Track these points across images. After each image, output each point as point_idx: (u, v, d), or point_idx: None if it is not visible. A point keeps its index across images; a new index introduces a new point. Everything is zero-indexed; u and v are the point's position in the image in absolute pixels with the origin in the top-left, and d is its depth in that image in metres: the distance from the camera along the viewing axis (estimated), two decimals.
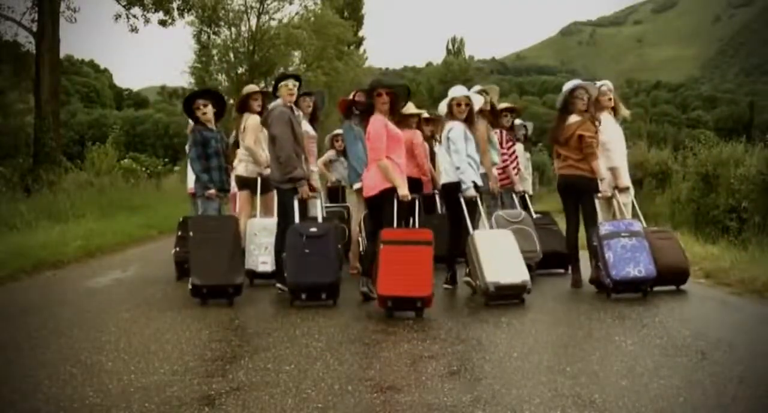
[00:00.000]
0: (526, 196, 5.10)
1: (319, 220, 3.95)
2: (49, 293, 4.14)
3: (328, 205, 5.40)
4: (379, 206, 3.68)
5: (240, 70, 20.58)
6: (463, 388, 2.22)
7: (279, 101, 3.97)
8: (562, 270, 4.58)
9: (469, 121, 4.02)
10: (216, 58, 20.66)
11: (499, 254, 3.69)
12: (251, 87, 4.64)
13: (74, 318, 3.32)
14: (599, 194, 4.11)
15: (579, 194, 4.14)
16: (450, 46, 52.52)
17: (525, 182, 5.21)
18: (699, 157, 8.94)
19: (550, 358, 2.58)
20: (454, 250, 4.05)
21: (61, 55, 11.62)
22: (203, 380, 2.31)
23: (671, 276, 3.94)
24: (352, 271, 4.59)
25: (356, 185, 4.61)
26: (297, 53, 20.94)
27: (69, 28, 23.48)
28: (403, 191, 3.56)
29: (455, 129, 3.98)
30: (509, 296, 3.64)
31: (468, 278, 3.97)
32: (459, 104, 4.01)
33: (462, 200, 3.90)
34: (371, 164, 3.69)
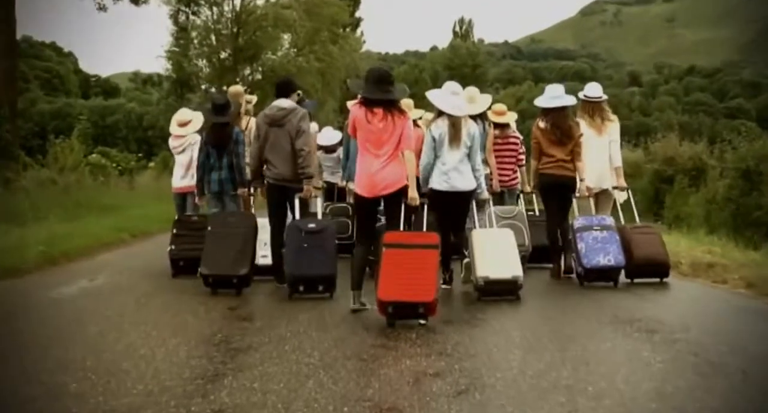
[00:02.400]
0: (533, 196, 5.62)
1: (319, 215, 4.53)
2: (6, 305, 4.11)
3: (333, 203, 5.94)
4: (375, 207, 3.71)
5: (223, 55, 20.63)
6: (472, 410, 2.23)
7: (289, 102, 4.36)
8: (561, 268, 4.95)
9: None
10: (196, 41, 20.67)
11: (493, 249, 4.04)
12: (237, 88, 5.22)
13: (35, 333, 3.30)
14: (578, 194, 4.80)
15: (564, 192, 4.81)
16: (457, 29, 52.67)
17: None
18: (739, 151, 8.97)
19: (570, 376, 2.59)
20: (448, 249, 4.17)
21: (18, 36, 11.50)
22: (181, 401, 2.31)
23: (650, 268, 4.61)
24: None
25: (351, 184, 4.85)
26: (286, 36, 20.96)
27: (26, 5, 23.46)
28: (414, 192, 3.60)
29: (433, 131, 4.09)
30: (501, 292, 3.98)
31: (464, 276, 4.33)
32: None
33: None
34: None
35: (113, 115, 36.56)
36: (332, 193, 6.43)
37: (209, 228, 4.42)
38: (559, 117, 4.78)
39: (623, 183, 5.06)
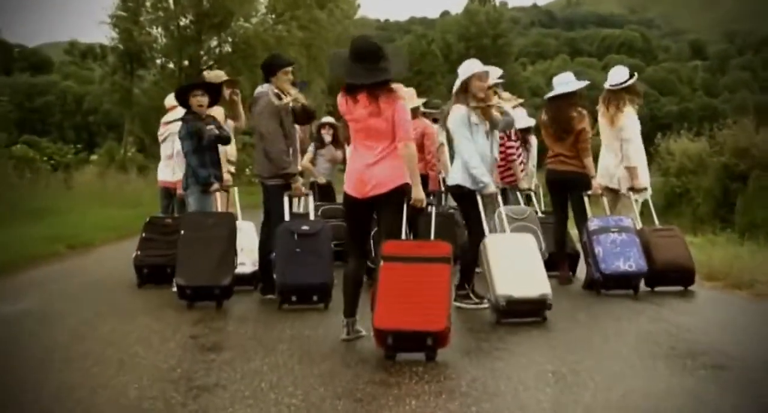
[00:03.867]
0: (532, 194, 6.18)
1: (311, 217, 4.87)
2: None
3: (323, 203, 6.48)
4: (367, 211, 3.69)
5: (183, 22, 20.67)
6: None
7: (266, 88, 4.71)
8: (570, 273, 5.50)
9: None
10: (148, 4, 20.72)
11: (515, 261, 4.17)
12: (217, 74, 5.54)
13: None
14: (589, 192, 5.23)
15: (568, 190, 5.31)
16: None
17: (529, 178, 6.19)
18: None
19: None
20: (472, 259, 4.50)
21: None
22: None
23: (674, 275, 4.98)
24: None
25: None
26: None
27: None
28: (419, 192, 3.61)
29: (458, 114, 4.46)
30: (525, 313, 4.10)
31: (466, 292, 4.54)
32: (480, 78, 4.45)
33: (479, 200, 4.48)
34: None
35: (43, 95, 36.37)
36: (328, 193, 6.76)
37: (182, 232, 4.68)
38: (556, 108, 5.33)
39: (639, 183, 5.36)
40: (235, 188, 5.57)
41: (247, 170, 18.59)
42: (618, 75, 5.47)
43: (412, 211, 3.80)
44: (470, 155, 4.45)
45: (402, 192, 3.60)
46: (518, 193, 6.06)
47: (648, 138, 6.78)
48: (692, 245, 5.68)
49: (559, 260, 5.44)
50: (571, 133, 5.26)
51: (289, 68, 4.76)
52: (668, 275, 4.97)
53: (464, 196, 4.54)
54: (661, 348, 3.63)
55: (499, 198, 4.81)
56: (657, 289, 5.04)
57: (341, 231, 6.18)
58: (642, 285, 5.01)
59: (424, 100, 5.86)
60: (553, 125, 5.34)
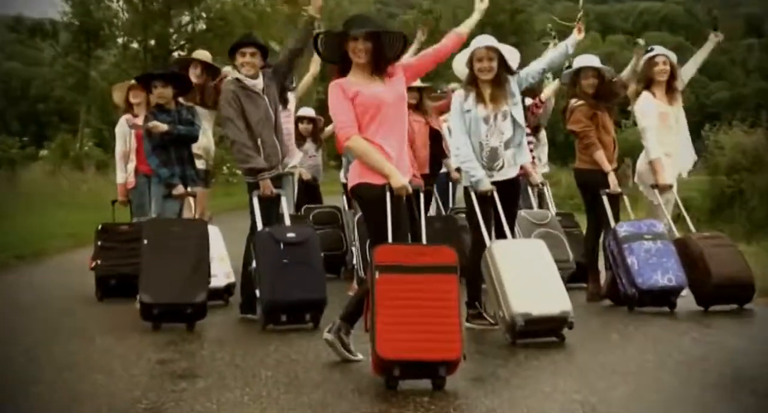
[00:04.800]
0: (545, 189, 6.38)
1: (287, 221, 4.92)
2: None
3: (314, 206, 6.77)
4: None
5: None
6: None
7: (227, 69, 4.99)
8: (602, 289, 5.53)
9: (495, 83, 4.58)
10: None
11: (529, 273, 4.21)
12: (200, 53, 5.83)
13: None
14: (607, 191, 5.31)
15: (590, 190, 5.46)
16: None
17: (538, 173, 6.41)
18: None
19: None
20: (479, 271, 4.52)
21: None
22: None
23: (730, 291, 4.91)
24: (351, 291, 5.43)
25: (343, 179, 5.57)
26: None
27: None
28: (397, 180, 3.64)
29: (454, 100, 4.67)
30: (543, 332, 4.16)
31: (478, 311, 4.62)
32: (480, 59, 4.55)
33: (474, 198, 4.56)
34: (342, 146, 3.93)
35: None
36: (313, 192, 6.90)
37: (145, 241, 4.73)
38: (566, 93, 5.59)
39: (663, 180, 5.42)
40: (200, 189, 5.62)
41: (225, 167, 18.63)
42: (657, 51, 5.59)
43: (397, 205, 3.73)
44: (458, 145, 4.61)
45: (354, 195, 3.83)
46: (530, 190, 6.20)
47: (694, 130, 6.83)
48: (745, 254, 5.69)
49: (590, 272, 5.51)
50: (566, 122, 5.48)
51: (247, 49, 4.86)
52: (726, 292, 4.95)
53: (467, 198, 4.65)
54: (708, 374, 3.65)
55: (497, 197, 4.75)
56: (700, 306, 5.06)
57: (332, 239, 6.40)
58: (678, 301, 5.04)
59: (426, 85, 5.94)
60: (562, 114, 5.59)
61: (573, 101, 5.44)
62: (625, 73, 5.78)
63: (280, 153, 4.96)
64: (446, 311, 3.38)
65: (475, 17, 4.28)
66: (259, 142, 4.82)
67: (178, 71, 5.56)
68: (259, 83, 4.88)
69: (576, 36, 4.94)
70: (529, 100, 6.42)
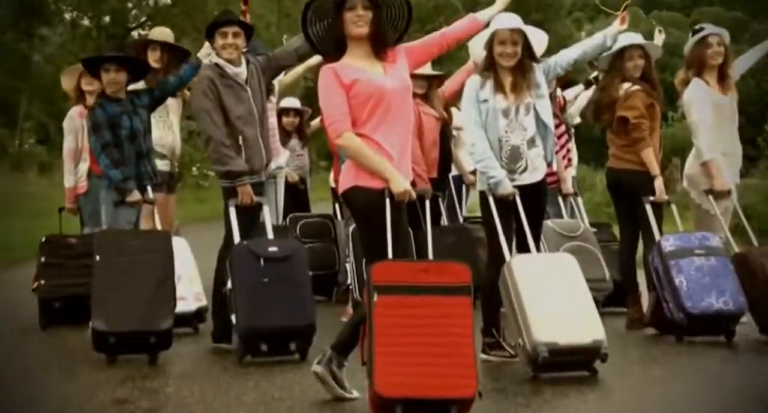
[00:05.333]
0: (578, 200, 6.46)
1: (269, 234, 4.90)
2: None
3: (301, 214, 6.78)
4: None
5: None
6: None
7: (204, 51, 5.03)
8: (643, 313, 5.50)
9: (518, 71, 4.60)
10: None
11: (555, 294, 4.22)
12: (159, 32, 5.87)
13: None
14: (651, 198, 5.27)
15: (628, 196, 5.44)
16: None
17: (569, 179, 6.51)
18: None
19: None
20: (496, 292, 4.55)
21: None
22: None
23: None
24: (345, 317, 5.49)
25: (333, 183, 5.66)
26: None
27: None
28: (398, 183, 3.65)
29: (468, 87, 4.70)
30: (570, 365, 4.16)
31: (496, 340, 4.63)
32: (503, 42, 4.56)
33: (491, 203, 4.57)
34: (333, 144, 3.96)
35: None
36: (300, 197, 6.93)
37: (98, 257, 4.73)
38: (605, 79, 5.55)
39: (720, 184, 5.39)
40: (163, 195, 5.65)
41: (194, 168, 18.66)
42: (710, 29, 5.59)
43: (398, 212, 3.74)
44: (473, 140, 4.64)
45: (347, 201, 3.88)
46: (561, 199, 6.27)
47: (756, 122, 6.84)
48: None
49: (629, 293, 5.54)
50: (604, 113, 5.47)
51: (229, 29, 4.86)
52: None
53: (483, 204, 4.67)
54: None
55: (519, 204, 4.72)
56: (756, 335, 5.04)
57: (322, 255, 6.40)
58: (737, 329, 4.98)
59: (437, 73, 5.96)
60: (593, 104, 5.59)
61: (627, 86, 5.37)
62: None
63: (264, 156, 4.99)
64: (458, 339, 3.40)
65: (497, 7, 4.28)
66: (239, 140, 4.84)
67: (133, 54, 5.56)
68: (242, 72, 4.89)
69: (618, 26, 4.97)
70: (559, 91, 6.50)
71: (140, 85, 5.39)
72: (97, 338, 4.58)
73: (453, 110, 6.19)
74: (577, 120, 6.96)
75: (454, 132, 6.70)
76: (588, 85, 6.73)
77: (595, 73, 6.48)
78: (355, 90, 3.68)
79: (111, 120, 5.02)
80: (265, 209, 4.98)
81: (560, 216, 6.25)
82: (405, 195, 3.64)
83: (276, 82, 5.91)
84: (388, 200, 3.62)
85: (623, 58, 5.38)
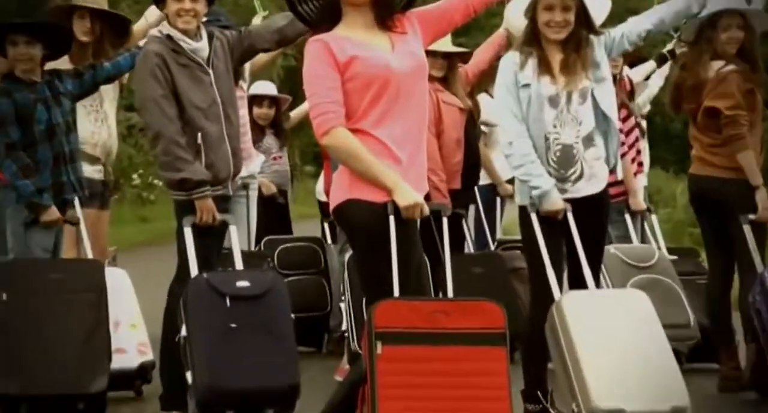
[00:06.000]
0: (652, 218, 6.43)
1: (237, 263, 4.77)
2: None
3: (281, 237, 6.68)
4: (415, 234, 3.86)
5: None
6: None
7: (154, 30, 4.89)
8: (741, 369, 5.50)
9: (571, 46, 4.61)
10: None
11: (622, 345, 4.19)
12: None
13: None
14: (751, 216, 5.22)
15: (719, 213, 5.40)
16: None
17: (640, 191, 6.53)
18: None
19: None
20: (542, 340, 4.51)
21: None
22: None
23: None
24: (340, 375, 5.47)
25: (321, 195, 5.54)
26: None
27: None
28: (405, 195, 3.66)
29: (503, 67, 4.72)
30: None
31: (542, 407, 4.56)
32: (551, 8, 4.57)
33: (535, 222, 4.56)
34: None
35: None
36: (278, 213, 6.88)
37: (4, 296, 4.66)
38: (689, 54, 5.50)
39: None
40: (94, 212, 5.64)
41: (135, 175, 18.67)
42: None
43: (407, 237, 3.74)
44: (510, 137, 4.66)
45: (341, 220, 3.91)
46: (628, 217, 6.27)
47: None
48: None
49: (721, 344, 5.54)
50: (697, 102, 5.43)
51: None
52: None
53: (524, 223, 4.69)
54: None
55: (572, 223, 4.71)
56: None
57: (309, 292, 6.38)
58: None
59: (461, 49, 5.98)
60: (672, 88, 5.60)
61: (719, 65, 5.37)
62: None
63: (231, 160, 4.95)
64: (489, 405, 3.41)
65: None
66: (198, 138, 4.80)
67: (53, 22, 5.55)
68: (202, 48, 4.86)
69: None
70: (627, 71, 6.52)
71: (63, 63, 5.40)
72: (6, 405, 4.56)
73: (482, 97, 6.21)
74: (648, 108, 6.98)
75: (484, 128, 6.72)
76: (662, 61, 6.75)
77: (671, 45, 6.49)
78: (353, 71, 3.69)
79: (20, 111, 4.99)
80: (232, 231, 4.91)
81: (628, 240, 6.26)
82: (414, 211, 3.64)
83: (247, 64, 5.92)
84: (392, 218, 3.63)
85: (716, 29, 5.37)
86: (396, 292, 3.57)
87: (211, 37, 4.89)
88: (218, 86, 4.88)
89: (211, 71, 4.87)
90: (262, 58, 6.21)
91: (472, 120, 6.06)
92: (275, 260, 6.51)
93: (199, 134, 4.78)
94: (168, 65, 4.74)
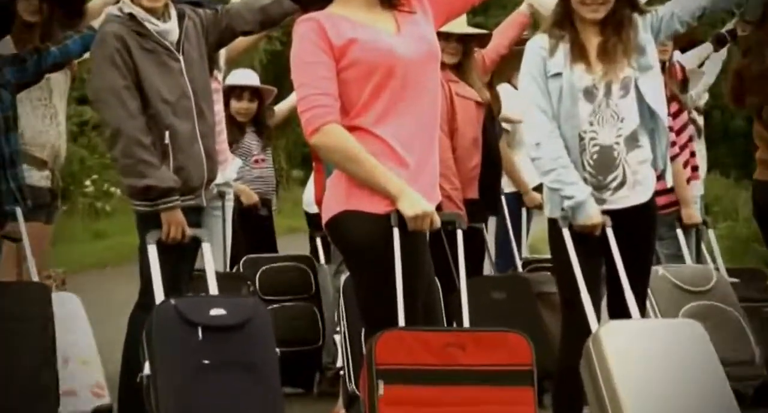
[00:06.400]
0: (709, 233, 6.47)
1: (211, 288, 4.75)
2: None
3: (264, 256, 6.72)
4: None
5: None
6: None
7: (113, 8, 4.89)
8: None
9: (611, 28, 4.62)
10: None
11: (672, 387, 4.17)
12: None
13: None
14: None
15: None
16: None
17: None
18: None
19: None
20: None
21: None
22: None
23: None
24: None
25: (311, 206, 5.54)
26: None
27: None
28: (411, 203, 3.68)
29: (529, 53, 4.74)
30: None
31: None
32: None
33: (567, 239, 4.57)
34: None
35: None
36: (260, 226, 6.88)
37: None
38: (754, 36, 5.50)
39: None
40: (38, 226, 5.68)
41: (87, 181, 18.66)
42: None
43: (413, 254, 3.77)
44: (537, 139, 4.69)
45: (335, 236, 3.92)
46: (680, 232, 6.30)
47: None
48: None
49: None
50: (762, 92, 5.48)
51: None
52: None
53: (555, 239, 4.72)
54: None
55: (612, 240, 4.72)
56: None
57: (298, 322, 6.39)
58: None
59: (479, 31, 5.99)
60: (732, 77, 5.62)
61: None
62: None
63: (204, 164, 4.97)
64: None
65: None
66: (166, 138, 4.81)
67: None
68: (171, 29, 4.88)
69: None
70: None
71: (4, 47, 5.43)
72: None
73: (503, 88, 6.22)
74: (704, 101, 7.00)
75: (506, 125, 6.74)
76: (720, 43, 6.77)
77: (731, 25, 6.51)
78: (351, 57, 3.72)
79: None
80: (206, 249, 4.92)
81: (680, 259, 6.27)
82: (423, 222, 3.66)
83: (223, 51, 5.96)
84: (396, 231, 3.65)
85: None
86: (401, 321, 3.59)
87: (181, 16, 4.91)
88: (190, 76, 4.90)
89: (181, 58, 4.89)
90: (241, 42, 6.21)
91: (491, 116, 6.07)
92: (257, 283, 6.50)
93: (167, 133, 4.79)
94: (130, 50, 4.75)
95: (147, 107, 4.79)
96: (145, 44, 4.79)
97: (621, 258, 4.56)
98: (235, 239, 6.55)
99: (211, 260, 4.95)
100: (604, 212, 4.59)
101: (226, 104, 6.82)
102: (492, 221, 6.68)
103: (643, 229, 4.76)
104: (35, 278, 5.22)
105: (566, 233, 4.60)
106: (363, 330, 4.00)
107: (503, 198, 6.64)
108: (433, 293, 3.95)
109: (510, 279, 6.39)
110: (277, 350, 4.65)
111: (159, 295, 4.65)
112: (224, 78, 6.54)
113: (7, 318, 4.74)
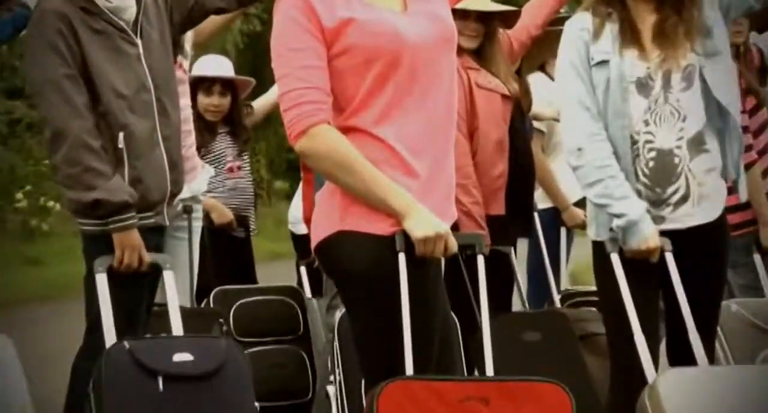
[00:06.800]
0: None
1: (175, 327, 4.78)
2: None
3: (239, 288, 6.77)
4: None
5: None
6: None
7: None
8: None
9: (669, 7, 4.68)
10: None
11: None
12: None
13: None
14: None
15: None
16: None
17: None
18: None
19: None
20: None
21: None
22: None
23: None
24: None
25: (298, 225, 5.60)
26: None
27: None
28: (420, 222, 3.69)
29: (567, 34, 4.83)
30: None
31: None
32: None
33: (617, 267, 4.59)
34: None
35: None
36: (238, 252, 6.88)
37: None
38: None
39: None
40: None
41: (19, 194, 18.75)
42: None
43: (421, 285, 3.78)
44: (579, 143, 4.71)
45: (327, 264, 3.97)
46: (758, 258, 6.31)
47: None
48: None
49: None
50: None
51: None
52: None
53: (601, 267, 4.75)
54: None
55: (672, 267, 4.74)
56: None
57: (283, 368, 6.40)
58: None
59: (504, 8, 6.01)
60: None
61: None
62: None
63: (168, 174, 4.97)
64: None
65: None
66: (120, 140, 4.82)
67: None
68: (127, 6, 4.88)
69: None
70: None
71: None
72: None
73: (535, 78, 6.24)
74: None
75: (539, 124, 6.76)
76: None
77: None
78: (346, 41, 3.72)
79: None
80: (168, 278, 4.95)
81: (758, 292, 6.27)
82: (435, 245, 3.68)
83: (189, 33, 5.95)
84: (402, 257, 3.67)
85: None
86: (409, 368, 3.61)
87: None
88: (150, 63, 4.91)
89: (139, 41, 4.91)
90: (212, 22, 6.19)
91: (520, 113, 6.08)
92: (231, 321, 6.50)
93: (121, 134, 4.79)
94: (75, 31, 4.74)
95: (97, 102, 4.78)
96: (94, 24, 4.79)
97: (684, 290, 4.56)
98: (203, 266, 6.54)
99: (175, 292, 4.95)
100: (663, 234, 4.59)
101: (194, 99, 6.82)
102: (522, 244, 6.69)
103: (711, 254, 4.76)
104: None
105: (615, 259, 4.60)
106: (362, 380, 4.01)
107: (536, 215, 6.62)
108: (449, 334, 3.95)
109: (545, 316, 6.38)
110: (257, 404, 4.68)
111: (110, 336, 4.66)
112: (191, 66, 6.52)
113: None
